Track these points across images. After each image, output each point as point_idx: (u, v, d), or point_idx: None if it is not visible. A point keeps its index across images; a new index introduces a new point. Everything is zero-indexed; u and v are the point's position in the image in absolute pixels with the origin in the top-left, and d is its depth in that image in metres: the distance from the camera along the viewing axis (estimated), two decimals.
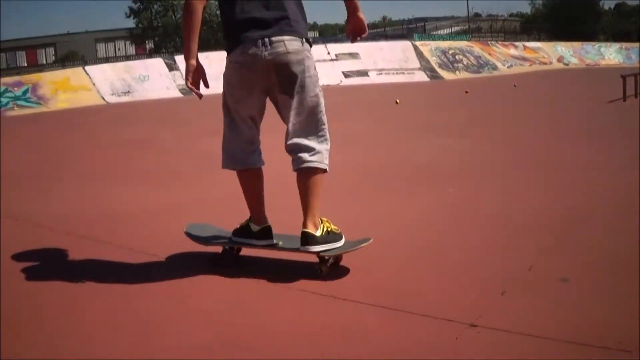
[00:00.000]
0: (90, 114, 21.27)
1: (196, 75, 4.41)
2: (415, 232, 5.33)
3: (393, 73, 32.25)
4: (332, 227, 4.46)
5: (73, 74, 28.25)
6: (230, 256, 4.79)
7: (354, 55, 32.89)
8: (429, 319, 3.53)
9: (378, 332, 3.45)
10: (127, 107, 23.41)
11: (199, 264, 4.71)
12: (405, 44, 35.87)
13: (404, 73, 32.38)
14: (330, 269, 4.37)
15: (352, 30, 4.56)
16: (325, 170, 4.43)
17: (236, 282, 4.35)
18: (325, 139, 4.47)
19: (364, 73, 31.96)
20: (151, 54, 49.20)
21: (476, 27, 70.26)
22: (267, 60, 4.26)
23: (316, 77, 4.48)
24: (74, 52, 54.17)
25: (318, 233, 4.35)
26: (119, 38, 62.06)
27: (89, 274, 4.65)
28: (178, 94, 27.19)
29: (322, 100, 4.48)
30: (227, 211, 5.69)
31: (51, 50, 64.14)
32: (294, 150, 4.41)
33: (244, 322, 3.68)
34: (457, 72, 33.92)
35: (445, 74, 33.03)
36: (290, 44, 4.28)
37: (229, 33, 4.45)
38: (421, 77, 32.24)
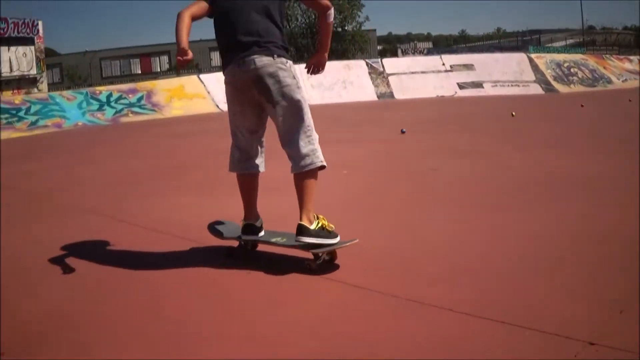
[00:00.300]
0: (205, 121, 21.63)
1: (184, 55, 4.74)
2: (527, 247, 5.26)
3: (508, 85, 31.88)
4: (327, 224, 4.97)
5: (188, 82, 28.87)
6: (244, 250, 5.47)
7: (468, 67, 32.68)
8: (545, 334, 3.50)
9: (490, 345, 3.46)
10: None
11: (317, 273, 4.83)
12: (520, 56, 35.37)
13: (518, 85, 31.98)
14: (322, 265, 4.90)
15: (314, 64, 5.42)
16: (321, 167, 5.04)
17: (347, 289, 4.43)
18: (313, 139, 5.01)
19: (478, 85, 31.71)
20: None
21: (590, 39, 68.79)
22: (244, 77, 4.97)
23: (295, 86, 5.00)
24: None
25: (312, 227, 4.85)
26: None
27: (204, 279, 4.84)
28: None
29: (305, 105, 5.02)
30: (338, 218, 5.74)
31: (165, 58, 65.48)
32: (289, 156, 5.04)
33: (358, 333, 3.75)
34: (571, 86, 33.27)
35: (560, 87, 32.45)
36: (259, 60, 4.89)
37: (221, 57, 5.17)
38: (536, 89, 31.76)
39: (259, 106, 5.11)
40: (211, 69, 51.58)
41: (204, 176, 10.01)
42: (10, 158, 14.58)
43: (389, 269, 4.78)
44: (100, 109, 25.87)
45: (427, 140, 12.77)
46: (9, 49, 30.70)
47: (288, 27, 52.46)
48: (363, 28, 54.10)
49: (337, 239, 4.94)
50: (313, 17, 52.34)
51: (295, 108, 4.96)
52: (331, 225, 4.99)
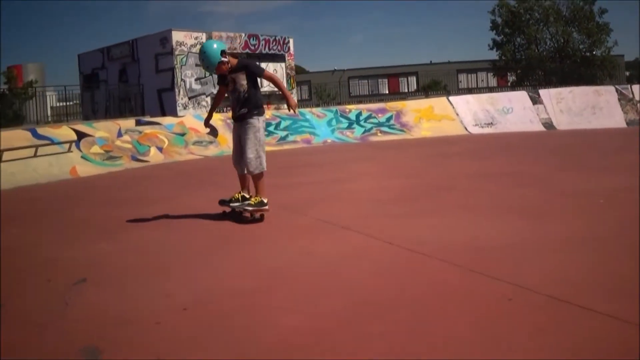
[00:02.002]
0: (454, 143, 21.56)
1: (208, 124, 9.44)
2: None
3: None
4: (262, 199, 8.70)
5: (437, 103, 28.78)
6: (234, 212, 8.94)
7: None
8: None
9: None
10: (490, 138, 23.48)
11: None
12: None
13: None
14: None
15: (292, 107, 9.31)
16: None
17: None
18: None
19: None
20: (513, 86, 48.87)
21: None
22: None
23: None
24: (436, 81, 54.99)
25: (253, 201, 8.72)
26: (480, 69, 62.23)
27: (455, 302, 4.74)
28: (541, 128, 26.85)
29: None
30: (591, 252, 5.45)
31: (413, 79, 65.82)
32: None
33: None
34: None
35: None
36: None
37: (261, 105, 9.09)
38: None
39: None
40: (458, 91, 51.35)
41: (460, 197, 9.90)
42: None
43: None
44: (349, 127, 26.40)
45: None
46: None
47: (536, 50, 51.58)
48: (612, 53, 52.18)
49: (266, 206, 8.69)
50: (562, 41, 51.15)
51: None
52: (258, 199, 8.69)
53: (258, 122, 9.01)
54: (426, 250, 6.39)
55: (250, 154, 8.76)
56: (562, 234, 6.93)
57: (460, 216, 8.28)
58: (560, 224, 7.48)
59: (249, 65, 8.98)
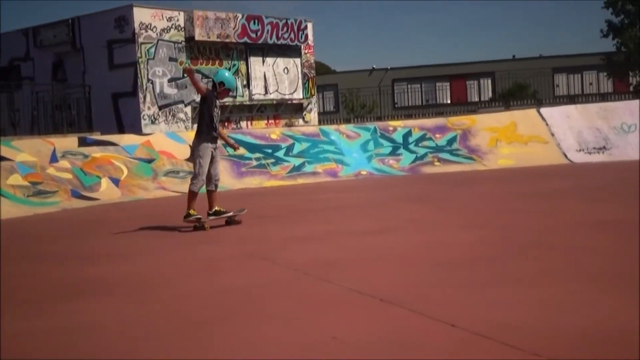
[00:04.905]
0: (548, 177, 21.59)
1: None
2: None
3: None
4: (194, 212, 14.26)
5: (523, 118, 28.78)
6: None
7: None
8: None
9: None
10: (602, 170, 23.27)
11: None
12: None
13: None
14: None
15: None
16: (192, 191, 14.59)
17: None
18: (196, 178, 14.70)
19: None
20: (638, 92, 48.14)
21: None
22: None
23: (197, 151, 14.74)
24: (521, 85, 54.08)
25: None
26: (588, 68, 60.25)
27: None
28: None
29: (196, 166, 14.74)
30: None
31: (487, 82, 64.85)
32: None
33: None
34: None
35: None
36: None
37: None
38: None
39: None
40: (555, 100, 50.88)
41: (559, 260, 9.79)
42: (264, 217, 15.12)
43: None
44: (393, 153, 26.67)
45: None
46: (263, 62, 32.26)
47: None
48: None
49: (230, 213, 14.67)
50: None
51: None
52: (195, 212, 14.09)
53: None
54: (509, 339, 6.27)
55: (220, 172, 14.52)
56: None
57: (560, 287, 8.17)
58: None
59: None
